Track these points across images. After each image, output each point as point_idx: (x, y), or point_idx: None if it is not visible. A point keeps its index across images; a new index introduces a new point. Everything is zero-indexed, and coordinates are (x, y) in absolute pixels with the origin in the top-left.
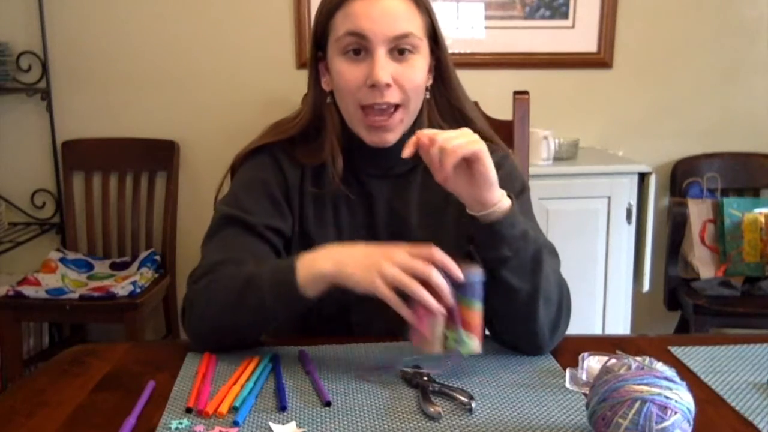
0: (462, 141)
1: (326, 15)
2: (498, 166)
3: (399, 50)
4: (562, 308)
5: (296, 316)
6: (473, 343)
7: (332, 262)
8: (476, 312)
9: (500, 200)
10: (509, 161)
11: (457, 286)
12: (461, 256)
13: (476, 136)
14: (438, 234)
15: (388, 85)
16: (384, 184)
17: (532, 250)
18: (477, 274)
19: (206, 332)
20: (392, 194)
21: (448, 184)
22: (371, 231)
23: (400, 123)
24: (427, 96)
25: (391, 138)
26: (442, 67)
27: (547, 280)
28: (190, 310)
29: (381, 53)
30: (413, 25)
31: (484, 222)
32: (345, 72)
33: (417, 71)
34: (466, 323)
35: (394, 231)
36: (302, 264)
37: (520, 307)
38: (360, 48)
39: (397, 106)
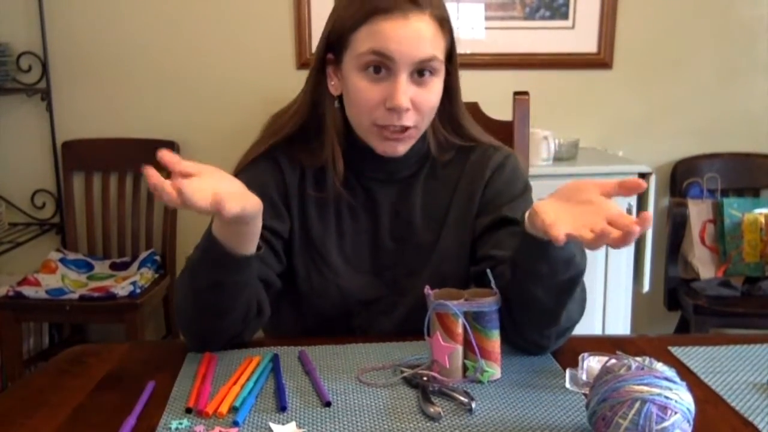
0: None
1: (348, 27)
2: (501, 166)
3: (419, 71)
4: (575, 323)
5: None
6: (493, 371)
7: None
8: (494, 340)
9: None
10: (511, 161)
11: (474, 317)
12: (475, 280)
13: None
14: (441, 237)
15: (407, 110)
16: (388, 188)
17: (570, 275)
18: (493, 303)
19: (189, 326)
20: (396, 198)
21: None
22: (374, 235)
23: (411, 138)
24: None
25: (402, 149)
26: (452, 81)
27: (573, 300)
28: (176, 309)
29: (403, 77)
30: (438, 48)
31: (535, 236)
32: (364, 90)
33: (434, 94)
34: (485, 352)
35: (398, 235)
36: None
37: (538, 316)
38: (381, 66)
39: (411, 126)
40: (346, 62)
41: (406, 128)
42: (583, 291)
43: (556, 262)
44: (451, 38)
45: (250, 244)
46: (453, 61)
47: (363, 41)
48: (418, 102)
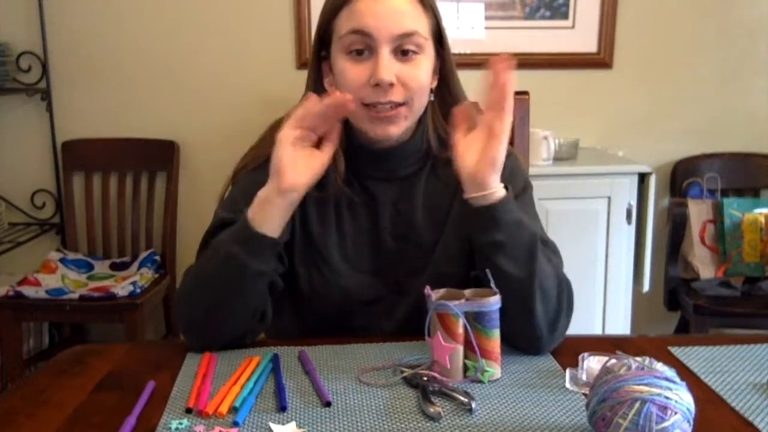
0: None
1: (330, 14)
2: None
3: (403, 50)
4: (562, 306)
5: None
6: (494, 371)
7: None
8: (495, 340)
9: (497, 187)
10: (512, 159)
11: (475, 317)
12: (472, 282)
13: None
14: (442, 237)
15: (391, 85)
16: (389, 187)
17: (526, 238)
18: (494, 303)
19: (197, 318)
20: (398, 197)
21: (460, 150)
22: (375, 235)
23: (404, 119)
24: (431, 98)
25: (395, 131)
26: (446, 69)
27: (542, 271)
28: (178, 304)
29: (385, 52)
30: (418, 24)
31: (479, 206)
32: (348, 71)
33: (421, 71)
34: (485, 352)
35: (399, 234)
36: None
37: (516, 295)
38: (364, 47)
39: (401, 104)
40: (333, 51)
41: (397, 105)
42: (553, 265)
43: (507, 226)
44: (436, 18)
45: (272, 221)
46: (443, 43)
47: (343, 24)
48: (404, 78)
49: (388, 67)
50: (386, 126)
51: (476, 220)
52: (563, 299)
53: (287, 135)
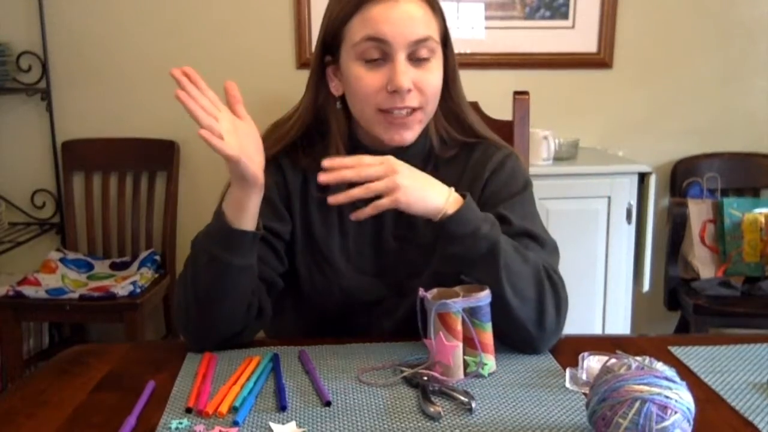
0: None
1: (341, 20)
2: (500, 165)
3: (417, 55)
4: (545, 303)
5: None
6: (491, 363)
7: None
8: (489, 333)
9: (443, 207)
10: (511, 160)
11: (471, 312)
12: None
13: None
14: None
15: (409, 91)
16: None
17: (484, 247)
18: (485, 296)
19: (191, 321)
20: None
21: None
22: (377, 235)
23: (419, 123)
24: None
25: (410, 136)
26: (449, 69)
27: (513, 273)
28: (175, 309)
29: (401, 58)
30: (431, 29)
31: (437, 222)
32: (364, 77)
33: (435, 76)
34: (483, 345)
35: (401, 234)
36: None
37: (492, 301)
38: (380, 54)
39: (416, 108)
40: (344, 57)
41: (412, 110)
42: (531, 264)
43: (462, 237)
44: (443, 21)
45: (248, 215)
46: (448, 44)
47: (357, 31)
48: (419, 83)
49: (406, 73)
50: (402, 132)
51: (439, 236)
52: (546, 296)
53: (222, 133)
